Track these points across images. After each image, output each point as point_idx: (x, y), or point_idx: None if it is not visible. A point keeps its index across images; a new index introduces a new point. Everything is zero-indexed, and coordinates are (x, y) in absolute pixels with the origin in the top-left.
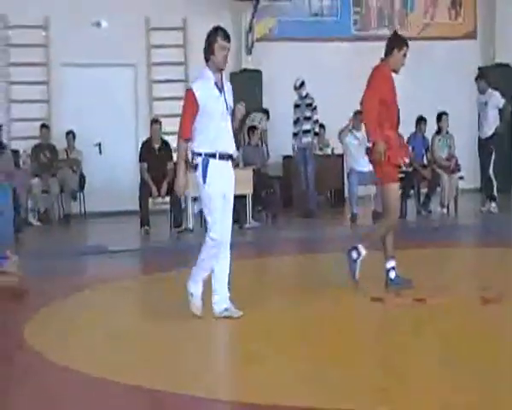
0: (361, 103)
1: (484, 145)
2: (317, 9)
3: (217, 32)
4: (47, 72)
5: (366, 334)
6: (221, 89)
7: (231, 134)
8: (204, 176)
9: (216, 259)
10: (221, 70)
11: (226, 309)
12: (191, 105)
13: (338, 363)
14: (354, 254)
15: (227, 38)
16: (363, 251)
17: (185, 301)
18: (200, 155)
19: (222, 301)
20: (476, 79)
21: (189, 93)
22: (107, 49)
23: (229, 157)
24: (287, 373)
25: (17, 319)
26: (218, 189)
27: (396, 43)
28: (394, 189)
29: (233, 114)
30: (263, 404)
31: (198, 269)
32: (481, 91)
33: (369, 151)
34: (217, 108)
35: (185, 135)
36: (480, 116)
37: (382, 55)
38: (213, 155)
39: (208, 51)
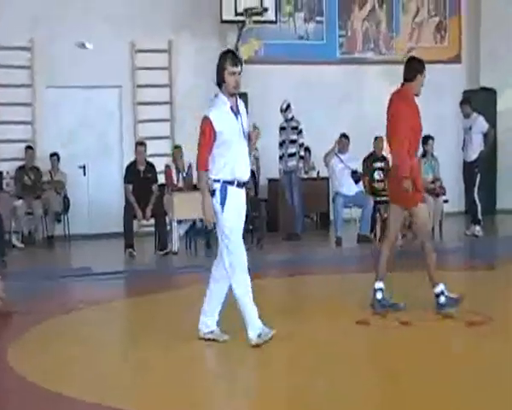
0: (387, 135)
1: (469, 169)
2: (302, 32)
3: (225, 59)
4: (32, 93)
5: (351, 358)
6: (237, 113)
7: (248, 159)
8: (222, 203)
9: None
10: (234, 94)
11: (212, 332)
12: (209, 133)
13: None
14: (442, 299)
15: (236, 62)
16: (441, 285)
17: (171, 324)
18: (218, 181)
19: (210, 323)
20: (461, 104)
21: (207, 121)
22: (92, 70)
23: (244, 184)
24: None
25: (0, 342)
26: (237, 214)
27: (419, 68)
28: (424, 208)
29: (249, 137)
30: None
31: (245, 312)
32: (466, 116)
33: (355, 176)
34: (234, 134)
35: (202, 168)
36: (465, 140)
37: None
38: (231, 183)
39: (219, 78)
